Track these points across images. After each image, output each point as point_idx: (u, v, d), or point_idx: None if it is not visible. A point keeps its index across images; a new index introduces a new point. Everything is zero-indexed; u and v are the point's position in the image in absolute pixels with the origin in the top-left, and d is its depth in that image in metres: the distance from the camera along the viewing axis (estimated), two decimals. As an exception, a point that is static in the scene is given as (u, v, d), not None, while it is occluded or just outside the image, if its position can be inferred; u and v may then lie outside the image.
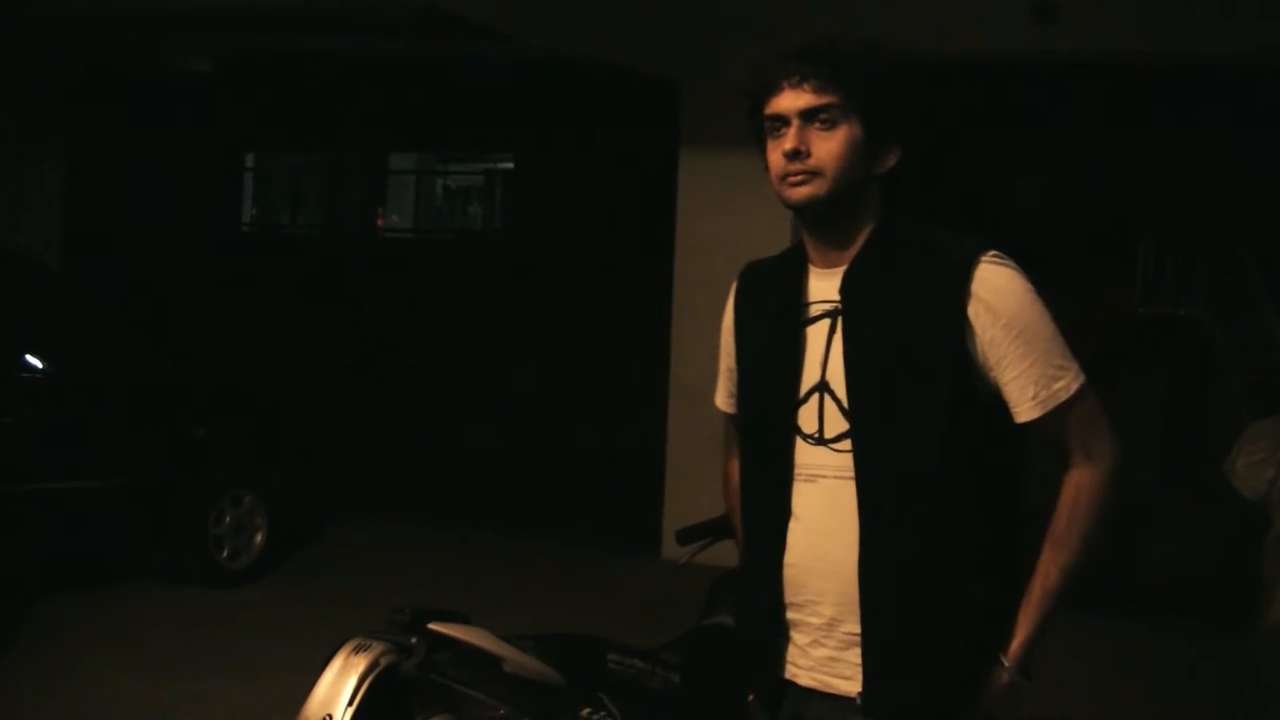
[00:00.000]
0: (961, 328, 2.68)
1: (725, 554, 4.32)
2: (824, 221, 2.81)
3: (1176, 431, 11.44)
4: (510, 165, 17.47)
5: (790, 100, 2.76)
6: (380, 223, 19.12)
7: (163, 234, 15.89)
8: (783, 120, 2.78)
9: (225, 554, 8.84)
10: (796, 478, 2.82)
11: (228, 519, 8.84)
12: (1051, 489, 2.78)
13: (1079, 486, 2.73)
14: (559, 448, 13.83)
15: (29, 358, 8.07)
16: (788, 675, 2.87)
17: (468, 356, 15.10)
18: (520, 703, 3.38)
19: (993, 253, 2.72)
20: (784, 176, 2.79)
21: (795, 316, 2.85)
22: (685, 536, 4.26)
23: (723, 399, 3.13)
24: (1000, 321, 2.67)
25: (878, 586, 2.71)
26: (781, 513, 2.83)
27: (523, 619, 5.26)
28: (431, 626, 3.35)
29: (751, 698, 3.02)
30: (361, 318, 15.63)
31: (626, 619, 7.05)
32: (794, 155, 2.75)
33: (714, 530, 4.27)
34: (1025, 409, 2.70)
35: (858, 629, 2.75)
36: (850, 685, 2.77)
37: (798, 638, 2.84)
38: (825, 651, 2.80)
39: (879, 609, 2.72)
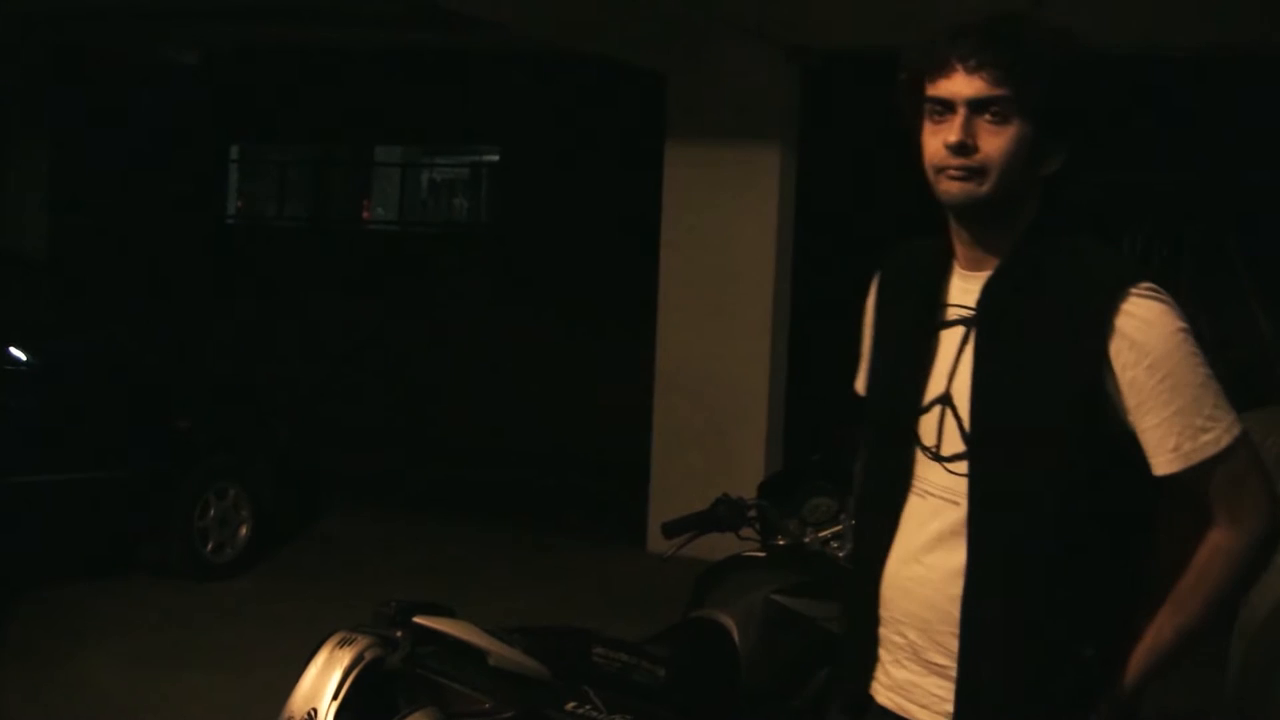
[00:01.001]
0: (1100, 363, 2.45)
1: (711, 547, 4.33)
2: (978, 222, 2.59)
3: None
4: (496, 158, 17.44)
5: (961, 85, 2.50)
6: (366, 215, 19.08)
7: (148, 226, 15.86)
8: (948, 106, 2.52)
9: (210, 547, 8.82)
10: (911, 489, 2.66)
11: (212, 512, 8.81)
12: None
13: (1215, 548, 2.47)
14: (545, 440, 13.83)
15: (13, 349, 8.04)
16: (871, 690, 2.76)
17: (452, 349, 15.09)
18: (505, 696, 3.38)
19: (1146, 284, 2.47)
20: (943, 169, 2.53)
21: (932, 317, 2.66)
22: (671, 529, 4.25)
23: (861, 383, 2.94)
24: (1144, 362, 2.43)
25: (979, 629, 2.55)
26: (890, 521, 2.68)
27: (508, 612, 5.26)
28: (417, 620, 3.34)
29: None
30: (347, 310, 15.62)
31: (612, 612, 7.04)
32: (960, 149, 2.50)
33: (700, 523, 4.27)
34: (1164, 461, 2.45)
35: (938, 659, 2.62)
36: (924, 714, 2.65)
37: (883, 654, 2.72)
38: (905, 674, 2.68)
39: (977, 652, 2.56)
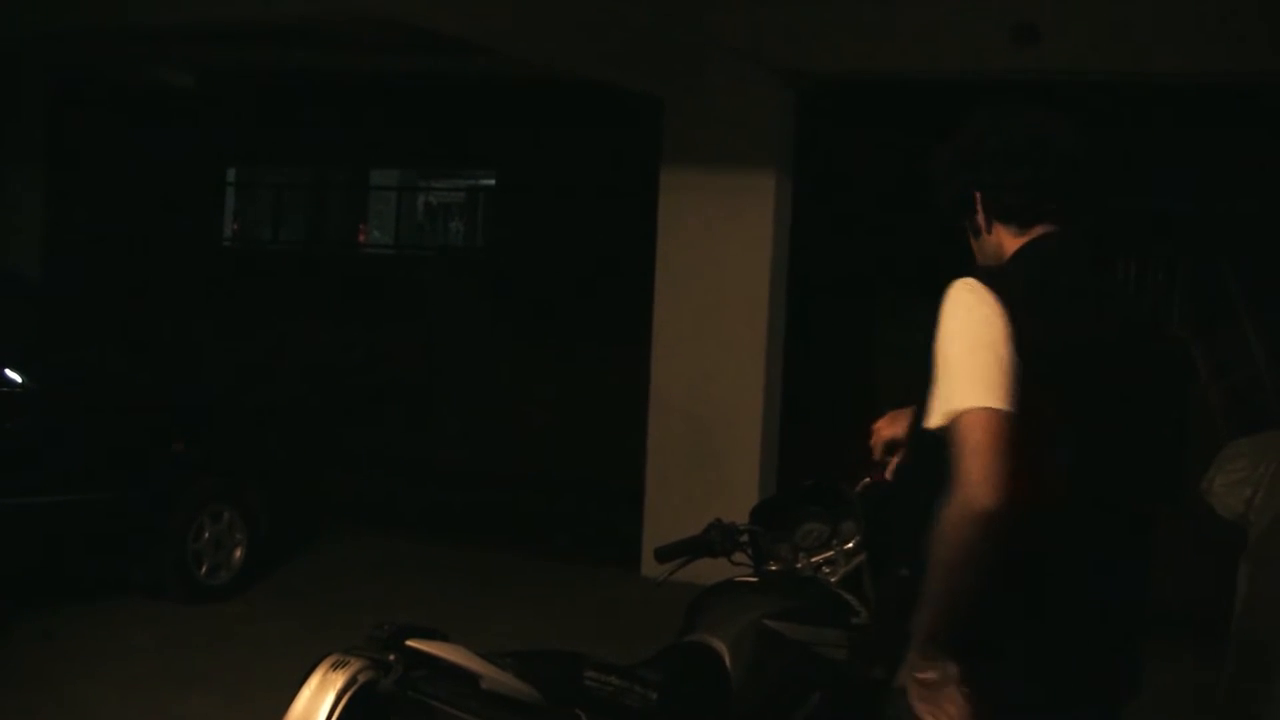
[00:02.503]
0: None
1: (703, 572, 4.34)
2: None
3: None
4: (492, 181, 17.48)
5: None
6: (362, 238, 19.11)
7: (144, 248, 15.88)
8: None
9: (204, 569, 8.82)
10: None
11: (207, 534, 8.81)
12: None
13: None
14: (539, 464, 13.83)
15: (8, 372, 8.05)
16: None
17: (447, 372, 15.11)
18: (498, 719, 3.38)
19: (962, 280, 2.88)
20: None
21: None
22: (664, 554, 4.27)
23: None
24: (936, 338, 2.87)
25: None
26: None
27: (501, 635, 5.27)
28: (410, 643, 3.35)
29: None
30: (342, 333, 15.63)
31: (605, 636, 7.05)
32: None
33: (692, 548, 4.28)
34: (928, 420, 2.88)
35: None
36: None
37: None
38: None
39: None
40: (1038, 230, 3.08)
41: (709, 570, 4.35)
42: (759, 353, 9.87)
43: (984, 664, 2.83)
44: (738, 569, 4.38)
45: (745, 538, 4.34)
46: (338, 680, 3.23)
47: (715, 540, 4.29)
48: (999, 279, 2.88)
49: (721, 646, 4.03)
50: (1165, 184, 12.58)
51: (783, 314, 10.07)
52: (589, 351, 14.13)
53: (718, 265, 9.89)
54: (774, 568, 4.32)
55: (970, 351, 2.80)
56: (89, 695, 6.95)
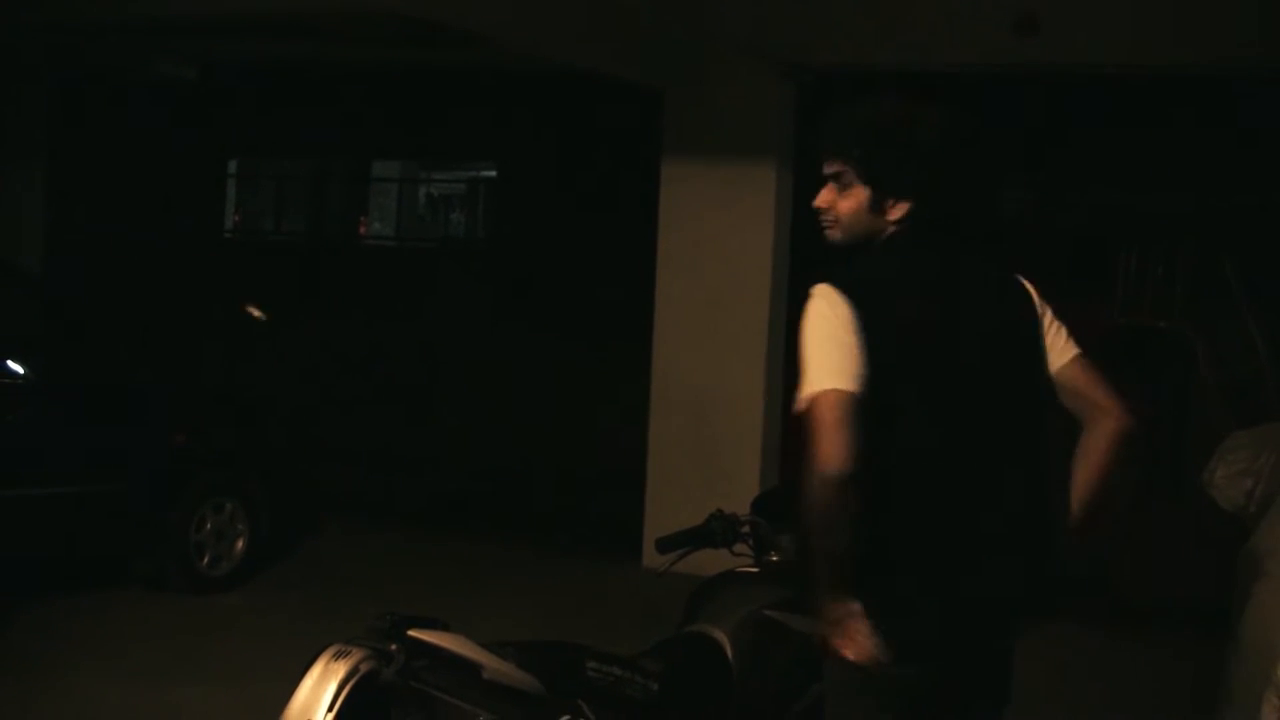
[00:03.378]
0: None
1: (705, 562, 4.35)
2: (849, 251, 3.41)
3: (1156, 442, 11.45)
4: (493, 173, 17.47)
5: (823, 165, 3.42)
6: (363, 230, 19.11)
7: (146, 240, 15.87)
8: (822, 179, 3.42)
9: (206, 561, 8.83)
10: None
11: (209, 526, 8.82)
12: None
13: None
14: (541, 455, 13.83)
15: (10, 363, 8.06)
16: None
17: (449, 365, 15.10)
18: (499, 709, 3.39)
19: (820, 285, 3.27)
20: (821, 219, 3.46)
21: None
22: (665, 545, 4.27)
23: None
24: (800, 342, 3.27)
25: None
26: None
27: (503, 626, 5.27)
28: (411, 633, 3.36)
29: None
30: (343, 325, 15.62)
31: (606, 626, 7.05)
32: (820, 210, 3.43)
33: (694, 539, 4.29)
34: None
35: None
36: None
37: None
38: None
39: None
40: (905, 210, 3.34)
41: (710, 561, 4.36)
42: (760, 344, 9.87)
43: (877, 598, 3.17)
44: (738, 560, 4.39)
45: (746, 528, 4.35)
46: (340, 670, 3.24)
47: (716, 531, 4.30)
48: (848, 282, 3.24)
49: (722, 637, 4.04)
50: (1166, 177, 12.58)
51: (784, 305, 10.06)
52: (590, 343, 14.12)
53: (719, 257, 9.89)
54: (775, 558, 4.33)
55: (821, 346, 3.21)
56: (89, 685, 6.95)
